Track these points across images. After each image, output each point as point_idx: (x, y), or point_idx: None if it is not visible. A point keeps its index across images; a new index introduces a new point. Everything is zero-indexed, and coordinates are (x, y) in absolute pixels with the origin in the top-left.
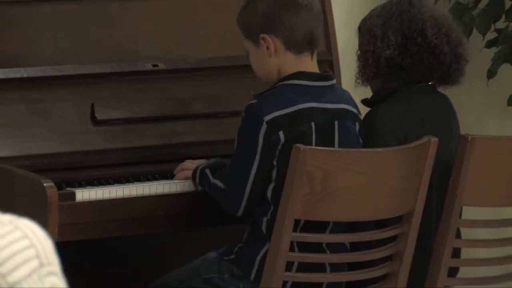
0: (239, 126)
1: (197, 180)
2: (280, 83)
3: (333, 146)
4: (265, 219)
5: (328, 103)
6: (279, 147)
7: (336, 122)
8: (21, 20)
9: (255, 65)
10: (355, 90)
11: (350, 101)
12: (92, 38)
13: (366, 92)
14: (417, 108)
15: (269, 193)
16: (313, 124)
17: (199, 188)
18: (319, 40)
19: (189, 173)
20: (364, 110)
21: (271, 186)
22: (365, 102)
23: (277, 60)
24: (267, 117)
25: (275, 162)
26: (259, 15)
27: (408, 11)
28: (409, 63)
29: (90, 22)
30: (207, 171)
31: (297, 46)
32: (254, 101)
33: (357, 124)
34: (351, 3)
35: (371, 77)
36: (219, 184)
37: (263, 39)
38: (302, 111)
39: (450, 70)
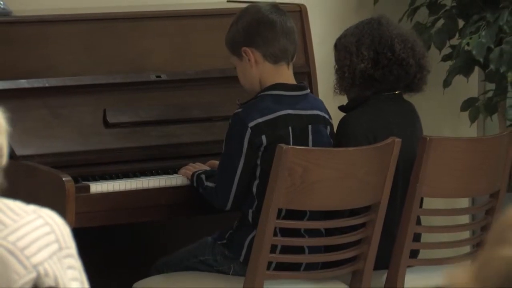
0: (226, 132)
1: (194, 183)
2: (261, 93)
3: (307, 146)
4: (250, 210)
5: (302, 109)
6: (262, 149)
7: (310, 126)
8: (45, 38)
9: (241, 77)
10: (332, 98)
11: (322, 107)
12: (105, 53)
13: (342, 100)
14: (385, 114)
15: (254, 189)
16: (290, 128)
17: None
18: (294, 52)
19: (189, 174)
20: (339, 115)
21: (256, 183)
22: (341, 108)
23: (258, 70)
24: (251, 124)
25: (258, 162)
26: (240, 32)
27: (378, 30)
28: (380, 74)
29: (103, 40)
30: (203, 176)
31: (273, 57)
32: (239, 110)
33: (328, 127)
34: (327, 22)
35: (348, 88)
36: (211, 184)
37: (245, 52)
38: (280, 117)
39: (415, 79)
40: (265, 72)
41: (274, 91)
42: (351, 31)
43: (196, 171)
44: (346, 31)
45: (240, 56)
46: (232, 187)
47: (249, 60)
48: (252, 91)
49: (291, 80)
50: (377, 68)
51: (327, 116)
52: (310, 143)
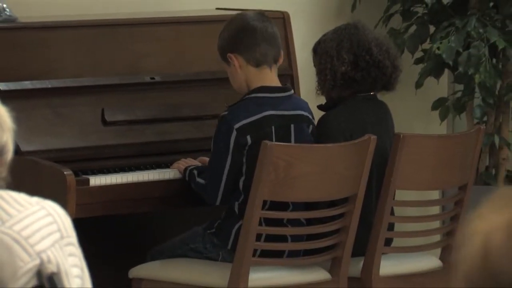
0: (214, 133)
1: (186, 177)
2: (247, 96)
3: (290, 143)
4: (237, 203)
5: (285, 110)
6: (247, 148)
7: (292, 125)
8: (47, 42)
9: (231, 80)
10: (314, 98)
11: (305, 108)
12: (103, 57)
13: (323, 100)
14: (361, 113)
15: (240, 184)
16: (273, 127)
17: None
18: (276, 55)
19: (182, 168)
20: (319, 113)
21: (242, 179)
22: (320, 107)
23: (243, 73)
24: (237, 125)
25: (244, 160)
26: (226, 39)
27: (356, 34)
28: (360, 76)
29: (102, 44)
30: (195, 171)
31: (255, 61)
32: (226, 112)
33: (310, 126)
34: (308, 28)
35: (329, 89)
36: (201, 181)
37: (230, 57)
38: (263, 118)
39: (391, 79)
40: (250, 75)
41: (258, 93)
42: (330, 36)
43: (188, 166)
44: (324, 37)
45: (228, 62)
46: (221, 184)
47: (234, 65)
48: (241, 92)
49: (275, 82)
50: (357, 70)
51: (310, 116)
52: (293, 140)
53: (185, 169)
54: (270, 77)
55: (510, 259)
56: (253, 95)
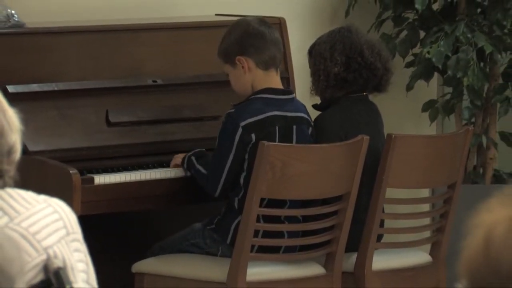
0: (220, 129)
1: (185, 165)
2: (253, 96)
3: (291, 143)
4: (237, 198)
5: (288, 111)
6: (250, 145)
7: (294, 126)
8: (54, 47)
9: (234, 84)
10: (308, 99)
11: (305, 111)
12: (107, 60)
13: (317, 101)
14: (354, 114)
15: (241, 180)
16: (276, 127)
17: (188, 174)
18: (280, 59)
19: (179, 161)
20: (314, 113)
21: (243, 174)
22: (315, 106)
23: (251, 76)
24: (243, 123)
25: (246, 156)
26: (234, 43)
27: (349, 37)
28: (352, 77)
29: (106, 48)
30: (193, 158)
31: (264, 64)
32: (232, 110)
33: (310, 128)
34: (303, 33)
35: (323, 89)
36: (202, 170)
37: (239, 60)
38: (268, 117)
39: (382, 81)
40: (257, 77)
41: (264, 94)
42: (324, 39)
43: (186, 154)
44: (319, 39)
45: (234, 65)
46: (222, 177)
47: (242, 67)
48: (244, 96)
49: (279, 85)
50: (349, 72)
51: (309, 118)
52: (294, 141)
53: (183, 158)
54: (276, 80)
55: (510, 251)
56: (259, 95)
